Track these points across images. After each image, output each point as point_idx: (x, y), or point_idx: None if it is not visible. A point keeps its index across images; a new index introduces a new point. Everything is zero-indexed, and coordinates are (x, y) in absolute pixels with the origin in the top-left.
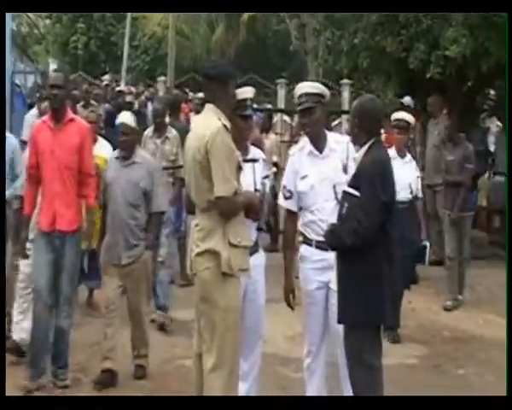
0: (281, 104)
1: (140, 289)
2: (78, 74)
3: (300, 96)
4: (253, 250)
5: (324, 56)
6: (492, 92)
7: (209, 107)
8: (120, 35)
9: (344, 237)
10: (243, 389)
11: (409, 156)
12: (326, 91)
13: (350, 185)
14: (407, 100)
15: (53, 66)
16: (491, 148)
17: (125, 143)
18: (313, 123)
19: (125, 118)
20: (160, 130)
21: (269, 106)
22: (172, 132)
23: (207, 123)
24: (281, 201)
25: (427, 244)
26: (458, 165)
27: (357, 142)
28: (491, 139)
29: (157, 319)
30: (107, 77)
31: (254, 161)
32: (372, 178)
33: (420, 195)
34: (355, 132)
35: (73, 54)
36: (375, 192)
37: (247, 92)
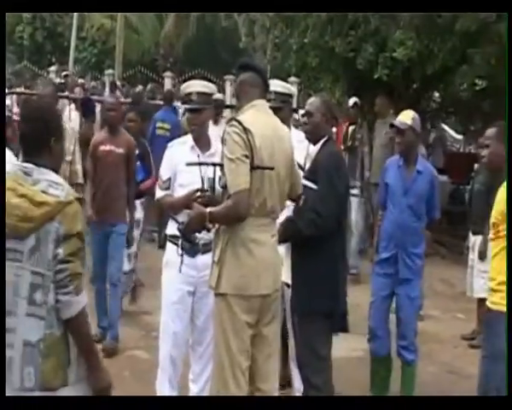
0: (228, 100)
1: None
2: (23, 65)
3: (270, 93)
4: (206, 249)
5: (273, 54)
6: (437, 95)
7: (264, 103)
8: (67, 26)
9: (302, 229)
10: (194, 391)
11: None
12: (293, 91)
13: (306, 178)
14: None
15: None
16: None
17: None
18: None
19: None
20: None
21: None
22: (68, 125)
23: (280, 124)
24: None
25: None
26: None
27: (317, 138)
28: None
29: None
30: (53, 68)
31: (215, 165)
32: (329, 171)
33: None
34: (321, 127)
35: (19, 44)
36: (332, 184)
37: (193, 86)
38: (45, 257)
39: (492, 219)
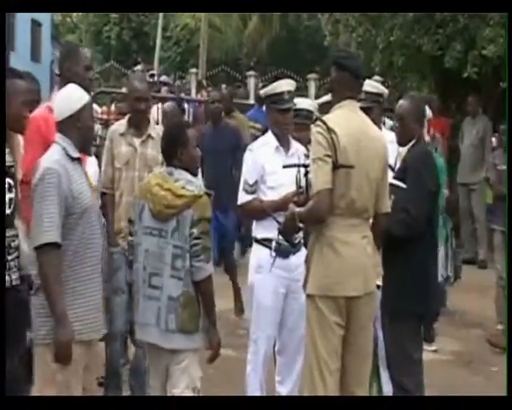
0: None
1: None
2: (110, 64)
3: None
4: (297, 249)
5: (357, 53)
6: None
7: (354, 103)
8: (153, 26)
9: (393, 229)
10: (283, 394)
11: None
12: (384, 91)
13: (396, 178)
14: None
15: None
16: None
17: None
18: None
19: None
20: (139, 124)
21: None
22: (157, 130)
23: (372, 125)
24: None
25: None
26: None
27: (407, 139)
28: None
29: None
30: (139, 67)
31: (301, 166)
32: (419, 170)
33: None
34: (411, 128)
35: (106, 44)
36: (422, 182)
37: (284, 85)
38: (183, 235)
39: None
